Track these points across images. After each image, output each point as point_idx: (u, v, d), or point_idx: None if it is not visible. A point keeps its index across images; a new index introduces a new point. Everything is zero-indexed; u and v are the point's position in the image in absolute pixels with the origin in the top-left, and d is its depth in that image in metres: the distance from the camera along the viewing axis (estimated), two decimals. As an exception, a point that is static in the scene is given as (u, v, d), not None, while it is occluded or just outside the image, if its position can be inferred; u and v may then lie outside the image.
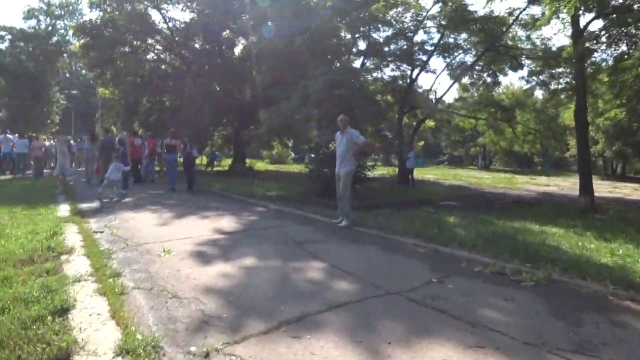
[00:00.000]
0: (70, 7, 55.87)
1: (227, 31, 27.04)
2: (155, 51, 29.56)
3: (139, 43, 27.46)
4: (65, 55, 60.71)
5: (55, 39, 58.06)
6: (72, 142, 27.95)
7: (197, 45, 27.19)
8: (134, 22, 25.37)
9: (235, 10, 23.09)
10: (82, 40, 27.48)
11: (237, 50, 28.95)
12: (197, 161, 38.66)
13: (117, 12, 26.47)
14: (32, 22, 58.54)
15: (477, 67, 23.12)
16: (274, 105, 16.21)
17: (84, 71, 49.07)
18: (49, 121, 57.84)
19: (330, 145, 14.11)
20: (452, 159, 67.15)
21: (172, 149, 14.49)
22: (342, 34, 19.33)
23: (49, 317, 3.71)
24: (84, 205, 10.64)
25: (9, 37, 62.02)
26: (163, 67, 29.83)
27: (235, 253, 6.06)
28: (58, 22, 57.61)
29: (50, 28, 58.31)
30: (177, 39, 26.97)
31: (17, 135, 22.18)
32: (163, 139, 18.01)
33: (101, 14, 27.57)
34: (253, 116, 24.05)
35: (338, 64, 14.48)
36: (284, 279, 4.98)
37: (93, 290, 4.40)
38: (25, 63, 55.30)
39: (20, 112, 55.95)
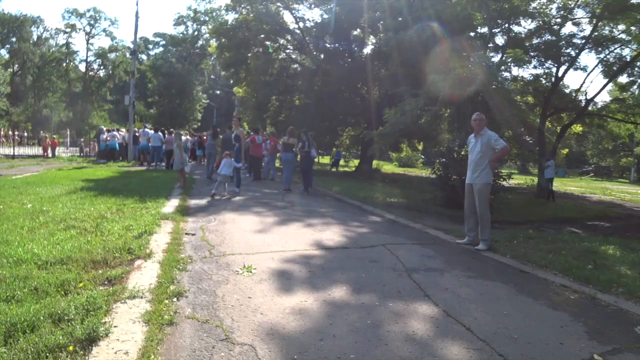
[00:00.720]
0: (214, 14, 59.38)
1: (358, 30, 26.38)
2: (287, 51, 29.85)
3: (270, 43, 27.88)
4: (210, 57, 65.07)
5: (200, 43, 62.29)
6: (187, 137, 29.26)
7: (327, 45, 26.80)
8: (265, 22, 25.76)
9: (364, 7, 22.21)
10: (217, 41, 28.66)
11: (367, 50, 28.17)
12: (323, 161, 38.99)
13: (250, 14, 27.13)
14: (181, 28, 63.59)
15: (638, 63, 19.60)
16: (400, 104, 14.99)
17: (223, 72, 51.63)
18: (191, 118, 62.23)
19: (463, 149, 12.59)
20: (598, 170, 59.11)
21: (289, 147, 13.89)
22: (478, 28, 17.45)
23: (70, 348, 2.95)
24: (193, 202, 10.35)
25: (162, 42, 68.11)
26: (294, 66, 30.06)
27: (325, 279, 4.92)
28: (203, 27, 61.75)
29: (196, 33, 62.75)
30: (307, 38, 26.87)
31: (152, 129, 23.42)
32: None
33: (236, 16, 28.45)
34: (380, 116, 23.07)
35: (472, 59, 12.78)
36: (376, 330, 3.67)
37: (140, 315, 3.58)
38: (174, 65, 60.06)
39: (168, 109, 61.06)
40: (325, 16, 26.07)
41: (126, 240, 5.98)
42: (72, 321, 3.33)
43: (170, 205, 9.58)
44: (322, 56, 26.72)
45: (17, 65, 74.98)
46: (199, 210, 9.30)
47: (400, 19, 18.27)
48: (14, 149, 27.50)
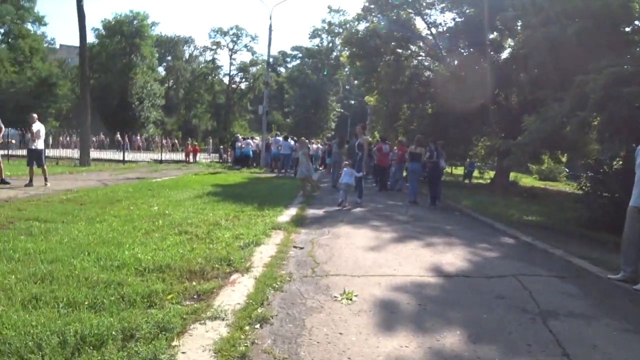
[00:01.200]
0: (347, 25, 60.11)
1: (495, 33, 24.60)
2: (418, 58, 28.94)
3: (401, 50, 27.22)
4: (344, 67, 66.16)
5: (334, 54, 63.53)
6: (314, 145, 29.42)
7: (460, 49, 25.38)
8: (397, 30, 25.18)
9: (500, 6, 20.57)
10: (349, 51, 28.67)
11: (504, 53, 26.20)
12: (456, 172, 37.14)
13: (381, 22, 26.73)
14: (316, 41, 65.38)
15: None
16: (541, 109, 13.40)
17: (356, 82, 52.09)
18: (325, 127, 63.63)
19: (615, 162, 10.84)
20: None
21: (416, 157, 13.08)
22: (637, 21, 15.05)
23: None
24: (311, 212, 10.07)
25: (299, 55, 70.73)
26: (426, 73, 29.04)
27: (436, 317, 4.06)
28: (337, 39, 62.83)
29: (330, 45, 64.13)
30: (439, 44, 25.73)
31: (283, 137, 23.92)
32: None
33: (367, 24, 28.23)
34: (518, 124, 21.19)
35: (628, 56, 10.88)
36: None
37: (213, 342, 3.14)
38: (310, 76, 62.00)
39: (303, 118, 63.14)
40: (458, 19, 24.74)
41: (230, 250, 5.75)
42: (141, 340, 3.02)
43: (288, 214, 9.37)
44: (455, 62, 25.37)
45: (171, 81, 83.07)
46: (315, 221, 8.94)
47: (541, 15, 16.49)
48: (161, 155, 30.01)
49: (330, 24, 62.29)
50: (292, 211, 9.77)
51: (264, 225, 7.65)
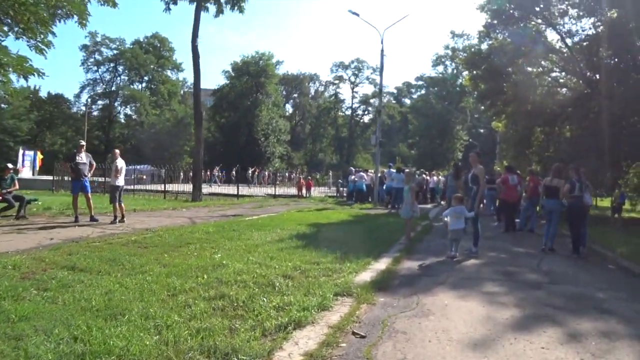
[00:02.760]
0: (473, 50, 56.54)
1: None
2: (552, 74, 25.10)
3: (530, 68, 23.74)
4: (471, 94, 62.33)
5: (460, 81, 60.11)
6: (434, 177, 26.40)
7: (604, 60, 21.26)
8: (524, 44, 21.92)
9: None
10: (470, 73, 25.88)
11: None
12: (602, 204, 31.22)
13: (507, 39, 23.65)
14: (440, 68, 62.46)
15: None
16: None
17: (482, 107, 48.35)
18: (451, 157, 60.06)
19: None
20: None
21: (554, 192, 10.07)
22: None
23: None
24: (407, 265, 7.68)
25: (424, 85, 68.22)
26: (561, 90, 25.05)
27: None
28: (461, 65, 59.26)
29: (454, 71, 60.80)
30: (577, 56, 21.86)
31: (396, 169, 21.61)
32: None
33: (491, 42, 25.21)
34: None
35: None
36: None
37: None
38: (434, 105, 59.23)
39: (428, 149, 60.22)
40: (600, 25, 20.81)
41: (255, 335, 3.80)
42: None
43: (375, 268, 7.15)
44: (596, 76, 21.36)
45: (298, 117, 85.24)
46: (406, 281, 6.51)
47: None
48: (275, 189, 29.29)
49: (453, 49, 59.12)
50: (381, 264, 7.52)
51: (331, 289, 5.56)
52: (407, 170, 12.20)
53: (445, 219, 8.73)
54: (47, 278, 5.76)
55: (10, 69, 12.51)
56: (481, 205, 12.82)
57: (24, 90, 58.37)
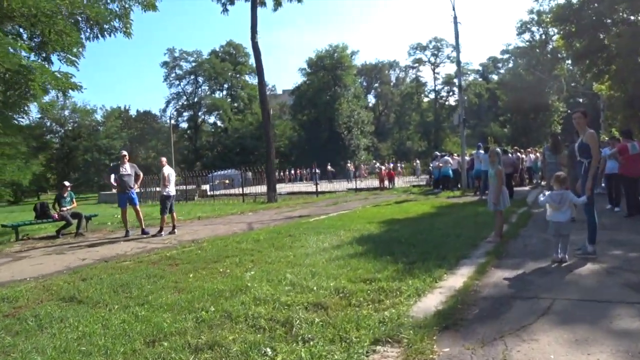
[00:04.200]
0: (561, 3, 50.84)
1: None
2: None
3: (634, 17, 19.89)
4: (565, 60, 56.48)
5: (550, 46, 54.52)
6: (531, 155, 23.00)
7: None
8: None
9: None
10: (562, 31, 22.41)
11: None
12: None
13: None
14: (526, 36, 56.97)
15: None
16: None
17: (578, 72, 43.18)
18: (549, 132, 54.76)
19: None
20: None
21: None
22: None
23: None
24: (495, 277, 5.51)
25: (512, 58, 62.80)
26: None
27: None
28: (551, 28, 53.61)
29: (544, 37, 55.14)
30: None
31: (485, 149, 18.88)
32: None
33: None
34: None
35: None
36: None
37: None
38: (525, 77, 54.26)
39: (521, 125, 55.35)
40: None
41: None
42: None
43: (446, 286, 5.12)
44: None
45: (381, 107, 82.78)
46: (488, 310, 4.37)
47: None
48: (355, 183, 27.50)
49: (539, 13, 53.35)
50: (458, 278, 5.46)
51: (371, 330, 3.73)
52: (492, 148, 9.46)
53: (546, 208, 6.41)
54: (30, 315, 4.96)
55: (49, 86, 11.94)
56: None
57: (114, 111, 61.57)
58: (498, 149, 8.23)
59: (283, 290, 5.24)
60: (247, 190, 26.68)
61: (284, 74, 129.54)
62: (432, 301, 4.59)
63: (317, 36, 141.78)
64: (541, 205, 6.25)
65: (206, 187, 33.14)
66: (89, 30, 13.60)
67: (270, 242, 8.89)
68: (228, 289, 5.45)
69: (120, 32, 14.08)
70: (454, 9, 20.58)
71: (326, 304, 4.60)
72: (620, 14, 19.83)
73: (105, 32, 13.71)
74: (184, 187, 30.07)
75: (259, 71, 23.88)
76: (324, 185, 32.48)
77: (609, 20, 20.06)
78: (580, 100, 65.06)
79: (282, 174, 51.24)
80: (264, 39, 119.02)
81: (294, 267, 6.44)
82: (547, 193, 6.33)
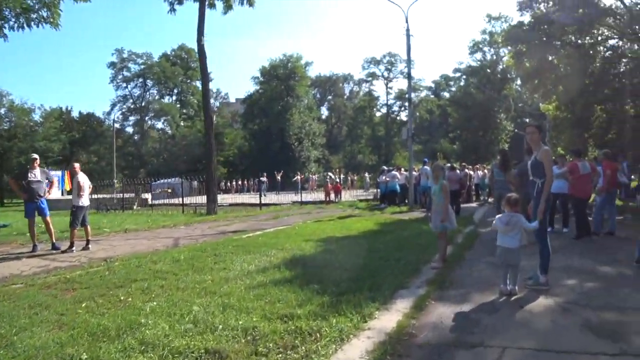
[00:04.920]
0: (513, 24, 52.43)
1: None
2: (609, 43, 21.36)
3: (581, 41, 20.10)
4: (513, 81, 58.07)
5: (500, 67, 55.98)
6: (479, 172, 22.98)
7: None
8: (575, 8, 18.46)
9: None
10: (512, 49, 22.51)
11: None
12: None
13: (554, 5, 20.27)
14: (478, 55, 58.33)
15: None
16: None
17: (526, 92, 44.20)
18: (497, 149, 55.93)
19: None
20: None
21: None
22: None
23: None
24: (432, 318, 4.69)
25: (463, 76, 64.02)
26: (622, 61, 21.27)
27: None
28: (501, 50, 55.08)
29: (494, 57, 56.61)
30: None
31: (428, 166, 18.43)
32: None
33: (532, 13, 21.74)
34: None
35: None
36: None
37: None
38: (474, 95, 55.38)
39: (470, 142, 56.26)
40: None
41: None
42: None
43: (375, 328, 4.31)
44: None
45: (334, 119, 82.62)
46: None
47: None
48: (301, 196, 26.61)
49: (491, 34, 54.80)
50: (392, 316, 4.65)
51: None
52: (436, 163, 8.36)
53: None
54: None
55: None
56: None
57: (54, 112, 58.34)
58: (442, 164, 7.51)
59: (181, 329, 4.30)
60: (190, 200, 25.48)
61: (238, 82, 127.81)
62: (356, 350, 3.75)
63: (273, 46, 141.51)
64: (493, 227, 5.58)
65: (147, 196, 31.43)
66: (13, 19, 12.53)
67: (190, 263, 7.87)
68: (116, 326, 4.46)
69: (47, 23, 13.01)
70: (406, 21, 20.24)
71: (226, 352, 3.69)
72: (569, 36, 19.97)
73: (32, 22, 12.67)
74: (121, 195, 28.45)
75: (204, 75, 22.79)
76: (271, 197, 31.53)
77: (558, 43, 20.16)
78: (527, 120, 66.95)
79: (229, 184, 49.93)
80: (219, 47, 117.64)
81: (206, 297, 5.52)
82: (498, 218, 5.64)
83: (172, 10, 23.21)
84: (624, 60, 21.13)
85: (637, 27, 18.98)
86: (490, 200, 22.03)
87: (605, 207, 10.15)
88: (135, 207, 28.49)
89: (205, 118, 22.72)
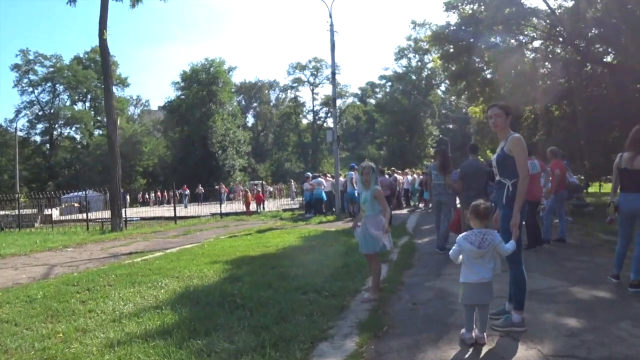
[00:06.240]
0: (439, 25, 53.42)
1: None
2: (535, 44, 21.16)
3: (508, 38, 19.69)
4: (438, 86, 59.06)
5: (425, 73, 56.58)
6: (408, 176, 22.17)
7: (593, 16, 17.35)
8: (501, 8, 17.95)
9: None
10: (440, 51, 21.83)
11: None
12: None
13: (481, 6, 19.76)
14: (403, 62, 58.74)
15: None
16: None
17: (453, 97, 44.65)
18: (423, 155, 56.45)
19: None
20: None
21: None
22: None
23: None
24: None
25: (389, 83, 64.30)
26: (546, 64, 21.08)
27: None
28: (426, 56, 55.71)
29: (419, 63, 57.24)
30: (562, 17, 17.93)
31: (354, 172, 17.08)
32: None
33: (459, 16, 21.16)
34: None
35: None
36: None
37: None
38: (400, 101, 55.57)
39: (397, 147, 56.31)
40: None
41: None
42: None
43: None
44: (582, 45, 17.62)
45: (260, 127, 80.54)
46: None
47: None
48: (220, 208, 24.46)
49: (416, 40, 55.24)
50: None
51: None
52: (365, 164, 6.32)
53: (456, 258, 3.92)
54: None
55: None
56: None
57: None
58: (372, 164, 5.82)
59: None
60: (99, 215, 22.81)
61: (162, 90, 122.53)
62: None
63: (197, 52, 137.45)
64: (453, 260, 3.86)
65: (52, 211, 28.05)
66: None
67: (46, 305, 5.90)
68: None
69: None
70: (330, 16, 18.87)
71: None
72: (496, 36, 19.46)
73: None
74: (16, 212, 25.00)
75: (106, 73, 20.52)
76: (191, 209, 29.21)
77: (483, 46, 19.65)
78: (450, 126, 68.42)
79: (147, 196, 46.73)
80: (141, 53, 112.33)
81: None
82: (460, 240, 3.92)
83: (72, 1, 20.69)
84: (547, 63, 20.91)
85: (560, 29, 18.74)
86: (421, 206, 21.11)
87: (557, 209, 9.10)
88: (37, 224, 25.27)
89: (108, 122, 20.24)
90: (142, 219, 24.61)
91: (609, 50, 18.37)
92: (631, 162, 5.46)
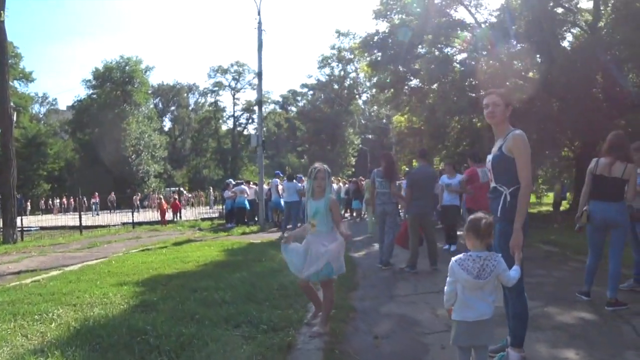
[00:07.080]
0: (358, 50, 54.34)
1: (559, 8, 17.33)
2: (460, 56, 21.37)
3: (435, 51, 19.75)
4: (359, 95, 59.69)
5: (347, 82, 56.95)
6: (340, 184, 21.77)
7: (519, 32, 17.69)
8: (430, 18, 17.92)
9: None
10: (368, 58, 21.50)
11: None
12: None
13: (410, 15, 19.65)
14: (327, 70, 58.81)
15: None
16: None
17: (375, 107, 45.09)
18: (344, 164, 56.62)
19: None
20: None
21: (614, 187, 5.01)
22: None
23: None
24: None
25: (311, 92, 64.06)
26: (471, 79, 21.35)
27: None
28: (348, 66, 56.20)
29: (342, 73, 57.59)
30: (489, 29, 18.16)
31: (286, 178, 16.08)
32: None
33: (388, 24, 20.94)
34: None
35: None
36: None
37: None
38: (323, 109, 55.46)
39: (319, 156, 55.96)
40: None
41: None
42: None
43: None
44: (502, 55, 17.96)
45: (178, 131, 77.37)
46: None
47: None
48: (133, 216, 22.52)
49: (340, 49, 55.44)
50: None
51: None
52: (318, 165, 5.05)
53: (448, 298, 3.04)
54: None
55: None
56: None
57: None
58: (326, 166, 4.72)
59: None
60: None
61: (69, 89, 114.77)
62: None
63: (113, 51, 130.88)
64: (445, 305, 2.89)
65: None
66: None
67: None
68: None
69: None
70: (259, 13, 17.84)
71: None
72: (425, 46, 19.41)
73: None
74: None
75: (2, 60, 17.86)
76: (100, 218, 26.93)
77: (411, 56, 19.55)
78: (370, 136, 69.25)
79: (51, 202, 43.10)
80: (52, 49, 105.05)
81: None
82: (454, 258, 3.06)
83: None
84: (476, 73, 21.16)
85: (484, 43, 18.96)
86: (347, 215, 20.57)
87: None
88: None
89: (3, 115, 17.71)
90: (42, 228, 22.21)
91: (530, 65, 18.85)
92: (608, 169, 4.96)
